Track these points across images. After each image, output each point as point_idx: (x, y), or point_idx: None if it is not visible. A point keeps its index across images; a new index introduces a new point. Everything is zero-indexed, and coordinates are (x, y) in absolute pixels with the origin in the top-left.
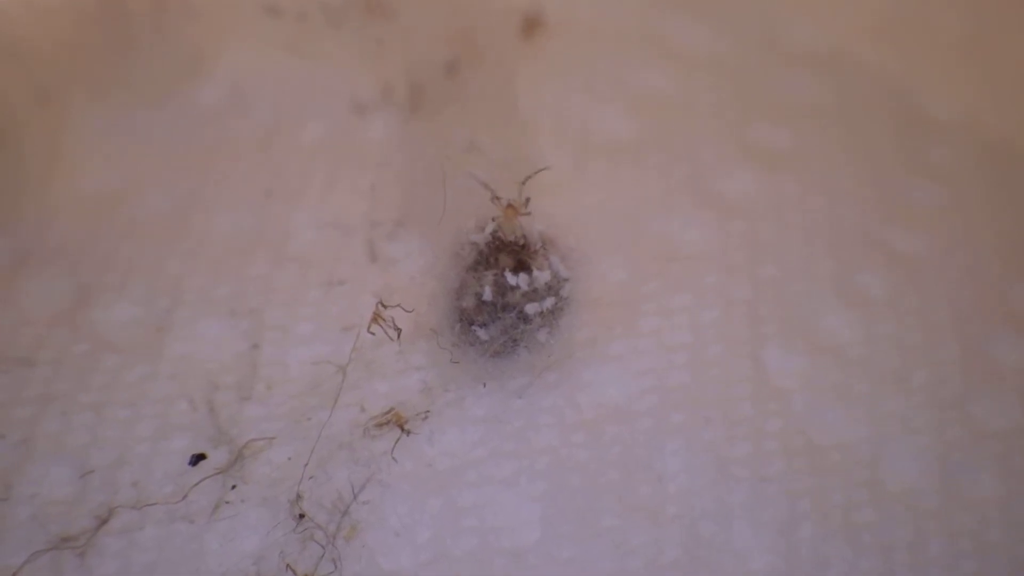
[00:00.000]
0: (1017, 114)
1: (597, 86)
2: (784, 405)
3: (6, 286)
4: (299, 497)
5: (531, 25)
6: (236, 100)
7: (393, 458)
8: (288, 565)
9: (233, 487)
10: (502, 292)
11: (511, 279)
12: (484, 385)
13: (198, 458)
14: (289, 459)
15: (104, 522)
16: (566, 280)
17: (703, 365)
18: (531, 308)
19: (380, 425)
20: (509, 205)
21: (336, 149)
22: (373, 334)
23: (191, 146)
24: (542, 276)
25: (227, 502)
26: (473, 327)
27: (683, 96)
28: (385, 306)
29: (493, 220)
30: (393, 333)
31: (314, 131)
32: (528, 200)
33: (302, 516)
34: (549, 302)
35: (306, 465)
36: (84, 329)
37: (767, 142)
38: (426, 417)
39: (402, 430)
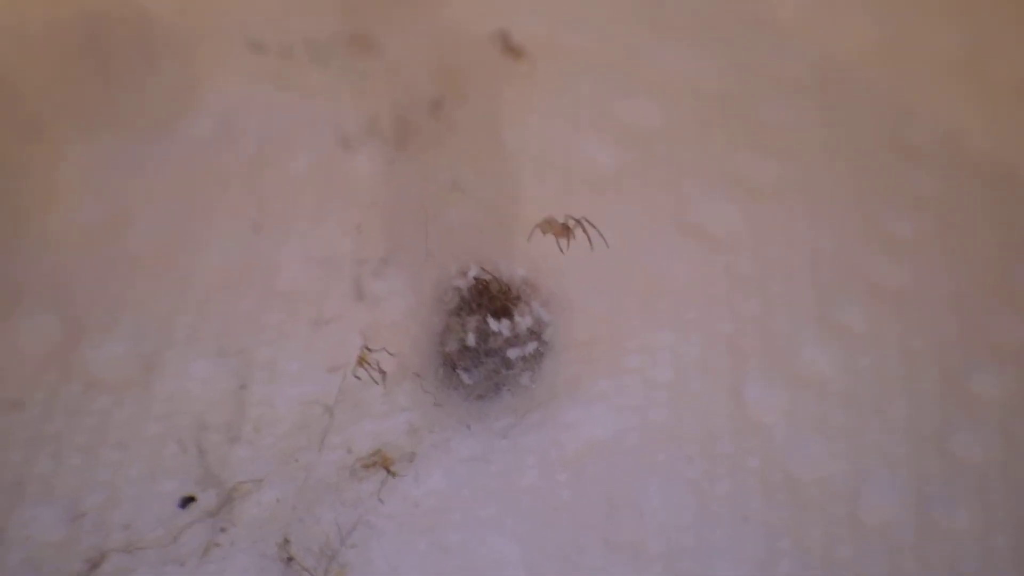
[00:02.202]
0: (1006, 139)
1: (581, 116)
2: (764, 441)
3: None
4: (287, 541)
5: (513, 53)
6: (223, 131)
7: (380, 499)
8: None
9: (222, 530)
10: (485, 338)
11: (493, 325)
12: (468, 427)
13: (187, 500)
14: (277, 501)
15: (96, 565)
16: (548, 324)
17: (684, 402)
18: (513, 353)
19: (367, 466)
20: (564, 224)
21: (322, 182)
22: (359, 378)
23: (179, 178)
24: (524, 322)
25: (217, 544)
26: (457, 371)
27: (667, 125)
28: (370, 349)
29: (475, 265)
30: (378, 376)
31: (300, 163)
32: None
33: (290, 559)
34: (531, 347)
35: (294, 508)
36: (75, 368)
37: (752, 173)
38: (412, 459)
39: (388, 472)
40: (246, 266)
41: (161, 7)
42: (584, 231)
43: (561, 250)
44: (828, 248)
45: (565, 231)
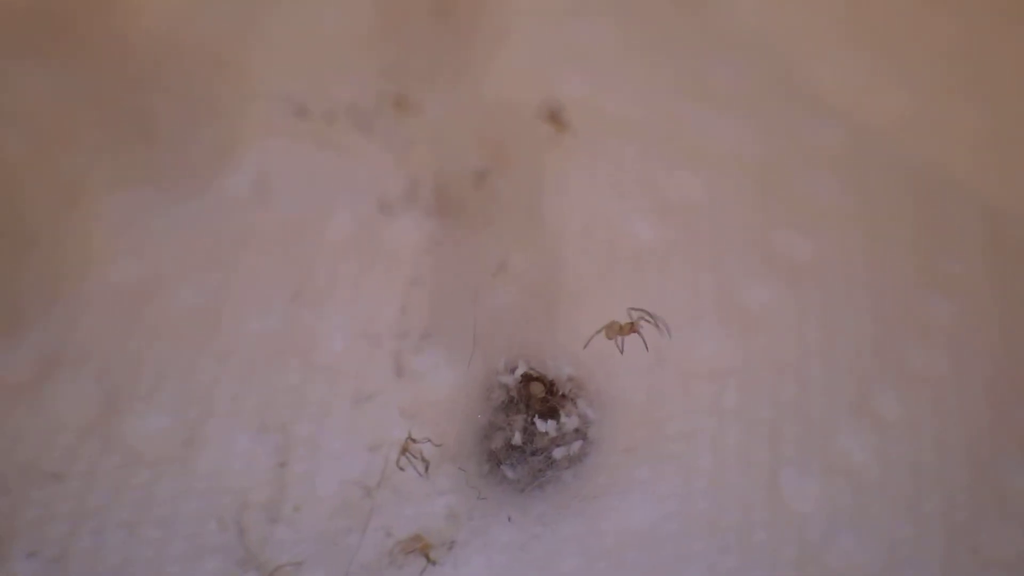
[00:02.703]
0: None
1: (624, 188)
2: (799, 531)
3: (36, 392)
4: None
5: (558, 124)
6: (262, 191)
7: None
8: None
9: None
10: (531, 437)
11: (540, 426)
12: (509, 519)
13: None
14: None
15: None
16: (593, 423)
17: (722, 489)
18: (559, 452)
19: (407, 552)
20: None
21: (363, 249)
22: (402, 469)
23: (217, 239)
24: (570, 422)
25: None
26: (501, 467)
27: (710, 199)
28: (414, 440)
29: (523, 362)
30: (421, 467)
31: (340, 228)
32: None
33: None
34: (576, 446)
35: None
36: (115, 440)
37: (790, 251)
38: (451, 547)
39: (428, 559)
40: (287, 336)
41: (204, 68)
42: (638, 331)
43: (620, 351)
44: (863, 332)
45: (632, 329)
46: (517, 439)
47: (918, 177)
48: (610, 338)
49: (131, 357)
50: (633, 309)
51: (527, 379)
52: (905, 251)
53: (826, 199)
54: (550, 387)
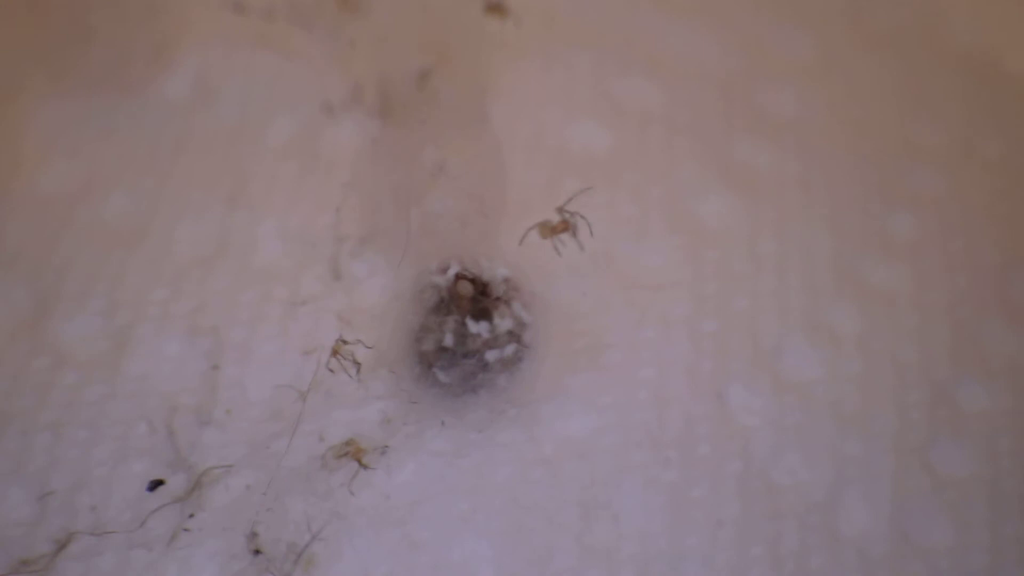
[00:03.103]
0: (1018, 142)
1: (576, 95)
2: (744, 445)
3: None
4: (255, 534)
5: (497, 12)
6: (201, 94)
7: (351, 491)
8: None
9: (191, 515)
10: (463, 339)
11: (472, 327)
12: (443, 423)
13: (156, 484)
14: (248, 488)
15: (63, 547)
16: (528, 326)
17: (665, 402)
18: (492, 355)
19: (338, 456)
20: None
21: (303, 154)
22: (332, 371)
23: (155, 143)
24: (503, 324)
25: (185, 530)
26: (433, 369)
27: (665, 108)
28: (346, 342)
29: (456, 262)
30: (352, 369)
31: (281, 131)
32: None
33: (258, 552)
34: (510, 349)
35: (264, 495)
36: (44, 342)
37: (747, 162)
38: (384, 451)
39: (360, 463)
40: (222, 240)
41: None
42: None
43: (559, 252)
44: (823, 246)
45: (565, 227)
46: (449, 341)
47: (888, 88)
48: (544, 237)
49: (62, 260)
50: (563, 209)
51: (460, 280)
52: (869, 164)
53: (790, 111)
54: (483, 288)
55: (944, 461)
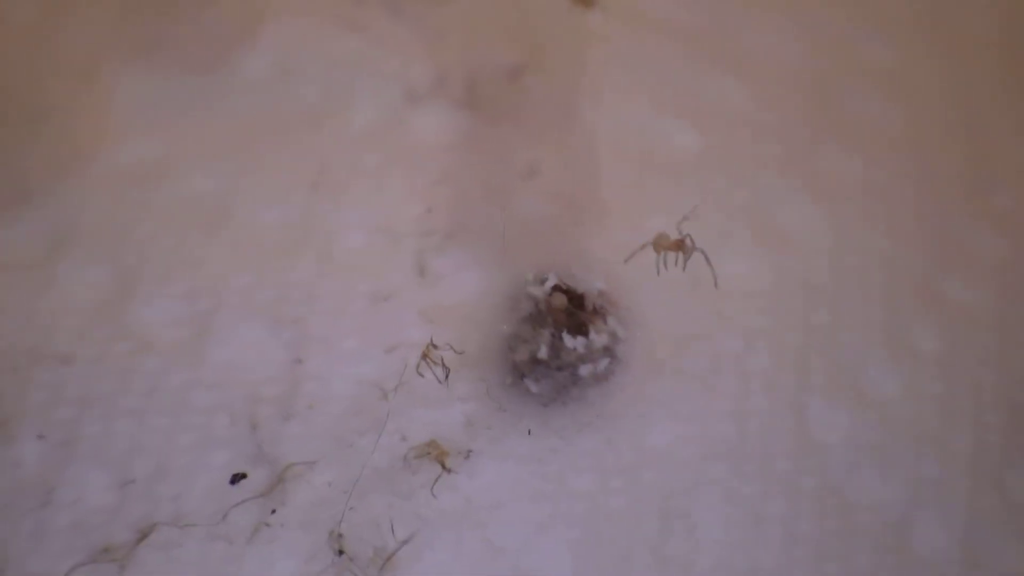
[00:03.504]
0: None
1: (663, 94)
2: (822, 462)
3: (46, 272)
4: (340, 535)
5: (583, 2)
6: (283, 73)
7: (433, 494)
8: None
9: (273, 511)
10: (557, 352)
11: (568, 342)
12: (529, 432)
13: (238, 477)
14: (329, 485)
15: (145, 536)
16: (622, 341)
17: (746, 414)
18: (585, 370)
19: (420, 457)
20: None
21: (386, 141)
22: (422, 375)
23: (236, 123)
24: (599, 340)
25: (266, 524)
26: (524, 380)
27: (752, 111)
28: (435, 346)
29: (554, 274)
30: (441, 373)
31: (363, 117)
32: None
33: (341, 552)
34: (604, 364)
35: (348, 494)
36: (125, 325)
37: (833, 170)
38: (467, 456)
39: (443, 467)
40: (304, 228)
41: None
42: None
43: (662, 268)
44: (906, 260)
45: (680, 247)
46: (543, 353)
47: (974, 103)
48: (658, 252)
49: (142, 242)
50: (683, 221)
51: (555, 291)
52: (956, 180)
53: (877, 118)
54: (579, 301)
55: (1018, 486)
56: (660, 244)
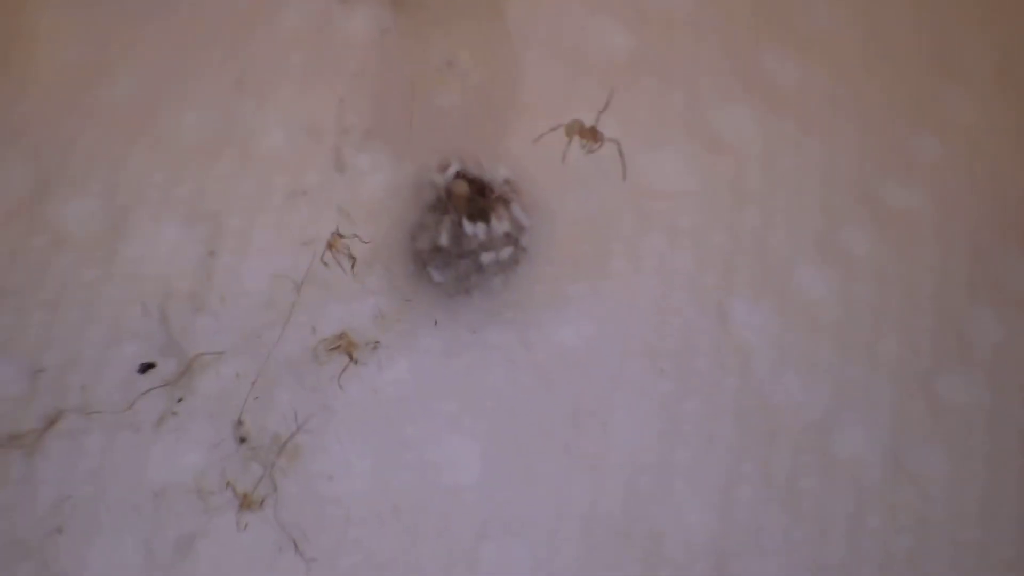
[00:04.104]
0: None
1: None
2: (743, 362)
3: None
4: (241, 422)
5: None
6: None
7: (340, 385)
8: (228, 483)
9: (179, 400)
10: (458, 239)
11: (468, 228)
12: (436, 322)
13: (147, 367)
14: (237, 375)
15: (52, 423)
16: (527, 229)
17: (666, 313)
18: (487, 257)
19: (330, 350)
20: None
21: (312, 42)
22: (326, 264)
23: (164, 25)
24: (500, 226)
25: (173, 414)
26: (427, 269)
27: (692, 13)
28: (341, 235)
29: (457, 160)
30: (347, 263)
31: (292, 17)
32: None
33: (244, 440)
34: (506, 252)
35: (253, 384)
36: (42, 221)
37: (773, 73)
38: (376, 347)
39: (351, 358)
40: (226, 126)
41: None
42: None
43: (569, 155)
44: (843, 165)
45: (594, 136)
46: (444, 240)
47: (922, 7)
48: (568, 137)
49: (64, 142)
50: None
51: (457, 178)
52: (899, 83)
53: (821, 21)
54: (481, 189)
55: (947, 390)
56: (572, 129)
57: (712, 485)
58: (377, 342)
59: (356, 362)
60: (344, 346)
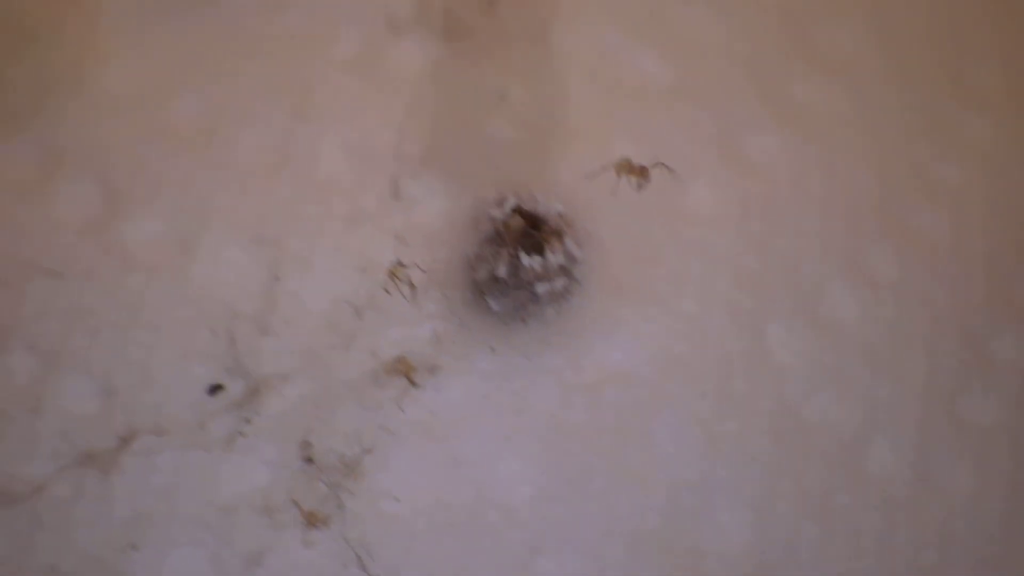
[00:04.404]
0: None
1: (637, 22)
2: (778, 384)
3: (38, 190)
4: (308, 443)
5: None
6: (271, 2)
7: (400, 408)
8: (294, 501)
9: (247, 421)
10: (515, 271)
11: (525, 260)
12: (492, 349)
13: (216, 388)
14: (301, 397)
15: (127, 443)
16: (579, 262)
17: (705, 336)
18: (542, 288)
19: (389, 373)
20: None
21: (367, 68)
22: (388, 292)
23: (224, 46)
24: (555, 259)
25: (241, 434)
26: (485, 297)
27: (724, 39)
28: (403, 264)
29: (513, 195)
30: (407, 292)
31: (347, 44)
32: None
33: (310, 460)
34: (560, 283)
35: (317, 406)
36: (113, 243)
37: (803, 100)
38: (434, 372)
39: (410, 381)
40: (285, 150)
41: None
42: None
43: (614, 192)
44: (869, 188)
45: (642, 173)
46: (501, 271)
47: (945, 28)
48: (618, 175)
49: (131, 162)
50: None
51: (513, 213)
52: (922, 108)
53: (849, 49)
54: (536, 223)
55: (970, 409)
56: (622, 167)
57: (750, 502)
58: (435, 366)
59: (415, 385)
60: (403, 370)
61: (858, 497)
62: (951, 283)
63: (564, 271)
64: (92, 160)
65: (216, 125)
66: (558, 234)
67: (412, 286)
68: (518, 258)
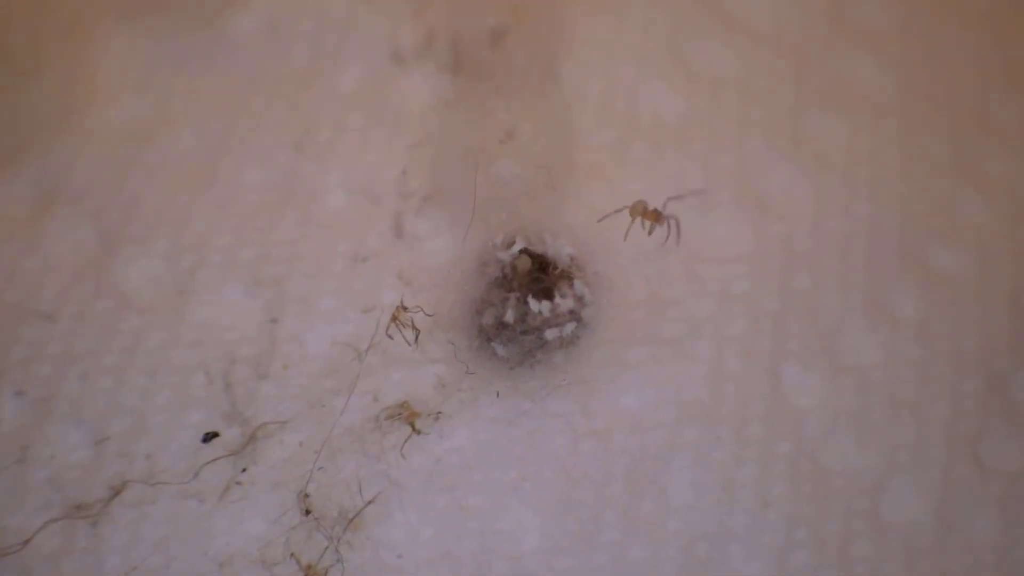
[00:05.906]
0: None
1: (650, 58)
2: (796, 427)
3: (30, 227)
4: (307, 495)
5: None
6: (273, 35)
7: (402, 455)
8: (292, 554)
9: (244, 470)
10: (523, 316)
11: (533, 306)
12: (498, 394)
13: (211, 436)
14: (300, 445)
15: (117, 494)
16: (589, 305)
17: (721, 379)
18: (551, 334)
19: (392, 418)
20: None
21: (371, 103)
22: (391, 337)
23: (224, 83)
24: (564, 304)
25: (237, 483)
26: (492, 343)
27: (738, 75)
28: (406, 308)
29: (522, 238)
30: (411, 335)
31: (351, 78)
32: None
33: (308, 512)
34: (569, 328)
35: (318, 454)
36: (107, 284)
37: (818, 135)
38: (438, 418)
39: (413, 428)
40: (287, 188)
41: None
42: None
43: (629, 234)
44: (888, 225)
45: (656, 217)
46: (509, 317)
47: (963, 67)
48: (632, 218)
49: (128, 200)
50: (672, 199)
51: (521, 254)
52: (942, 143)
53: (864, 82)
54: (545, 265)
55: (994, 454)
56: (636, 210)
57: (768, 551)
58: (439, 412)
59: (418, 432)
60: (406, 415)
61: (879, 546)
62: (974, 323)
63: (573, 315)
64: (89, 198)
65: (215, 161)
66: (567, 277)
67: (416, 330)
68: (526, 303)
